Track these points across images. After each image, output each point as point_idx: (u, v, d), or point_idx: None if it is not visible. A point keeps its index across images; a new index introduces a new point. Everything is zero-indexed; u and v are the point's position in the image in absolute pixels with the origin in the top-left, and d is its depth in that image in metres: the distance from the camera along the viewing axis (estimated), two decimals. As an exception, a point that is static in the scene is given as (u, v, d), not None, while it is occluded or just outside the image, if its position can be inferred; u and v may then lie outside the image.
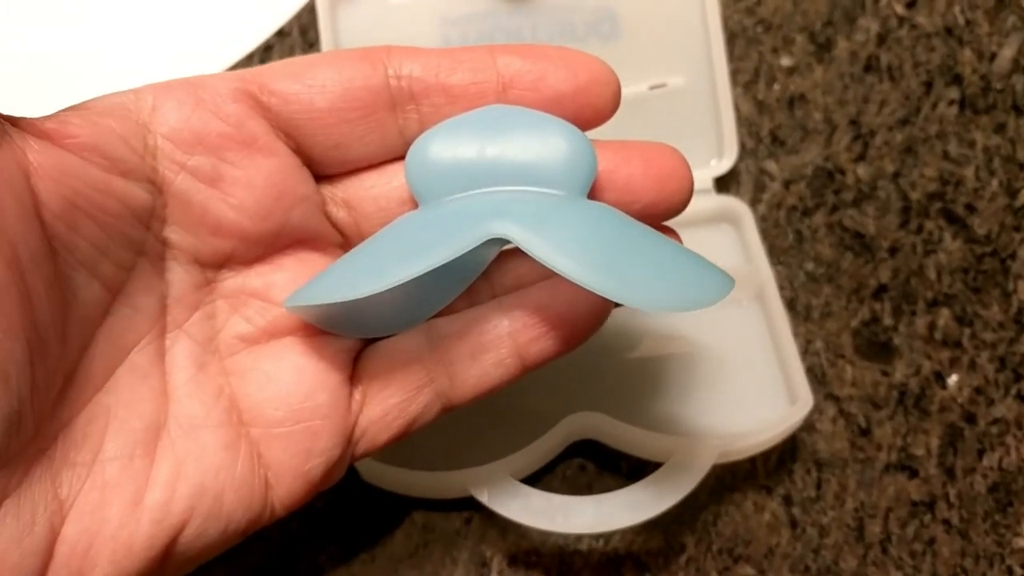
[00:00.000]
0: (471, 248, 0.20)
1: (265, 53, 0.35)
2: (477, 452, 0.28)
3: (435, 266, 0.19)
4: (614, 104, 0.22)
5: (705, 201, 0.32)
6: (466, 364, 0.22)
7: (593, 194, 0.21)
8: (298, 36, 0.36)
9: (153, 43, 0.36)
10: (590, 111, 0.21)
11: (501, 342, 0.22)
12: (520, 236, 0.20)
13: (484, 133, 0.21)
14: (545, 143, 0.21)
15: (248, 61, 0.35)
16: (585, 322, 0.22)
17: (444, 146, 0.21)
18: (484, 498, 0.27)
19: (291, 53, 0.35)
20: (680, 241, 0.23)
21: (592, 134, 0.22)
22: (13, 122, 0.18)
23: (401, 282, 0.19)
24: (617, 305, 0.22)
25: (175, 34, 0.36)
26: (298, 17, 0.36)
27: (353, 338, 0.22)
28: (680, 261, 0.21)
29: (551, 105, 0.21)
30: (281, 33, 0.36)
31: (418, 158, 0.22)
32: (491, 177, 0.21)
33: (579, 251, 0.19)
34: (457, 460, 0.28)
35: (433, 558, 0.29)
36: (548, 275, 0.22)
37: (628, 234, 0.21)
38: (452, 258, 0.19)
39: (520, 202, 0.21)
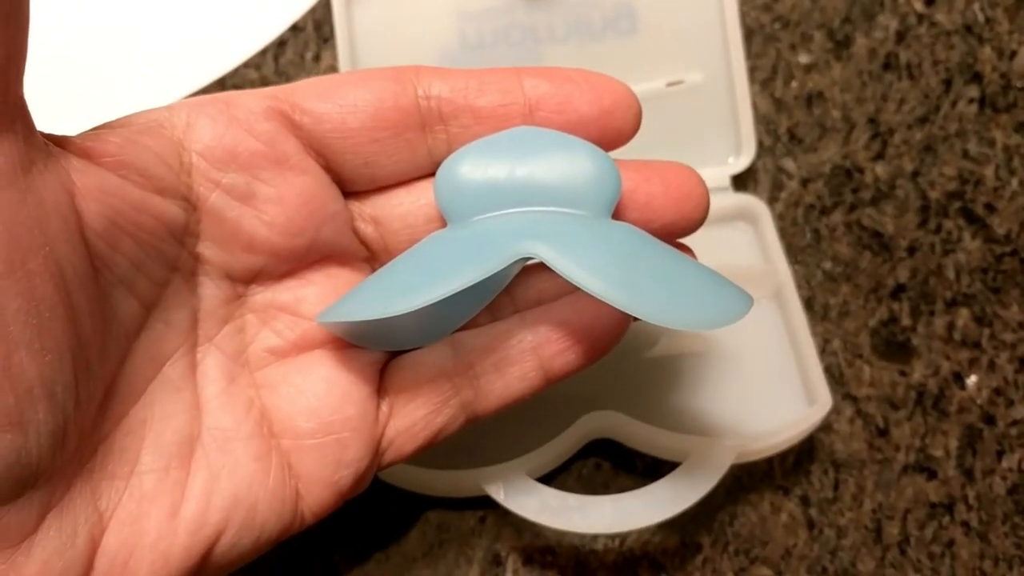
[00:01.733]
0: (501, 268, 0.20)
1: (279, 48, 0.35)
2: (493, 451, 0.28)
3: (467, 286, 0.19)
4: (635, 126, 0.22)
5: (722, 199, 0.32)
6: (491, 377, 0.22)
7: (615, 213, 0.22)
8: (312, 31, 0.35)
9: (168, 38, 0.36)
10: (613, 133, 0.22)
11: (525, 356, 0.22)
12: (549, 256, 0.20)
13: (512, 154, 0.22)
14: (572, 164, 0.21)
15: (262, 56, 0.35)
16: (606, 336, 0.22)
17: (473, 166, 0.22)
18: (500, 497, 0.27)
19: (305, 48, 0.35)
20: (695, 257, 0.23)
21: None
22: (56, 142, 0.18)
23: (433, 301, 0.19)
24: (636, 319, 0.23)
25: (189, 29, 0.36)
26: (312, 12, 0.36)
27: (380, 351, 0.23)
28: (702, 280, 0.21)
29: (576, 127, 0.22)
30: (295, 28, 0.35)
31: (447, 178, 0.22)
32: (519, 197, 0.22)
33: (606, 270, 0.20)
34: (473, 459, 0.28)
35: (448, 557, 0.29)
36: (569, 290, 0.22)
37: (652, 254, 0.21)
38: (483, 278, 0.20)
39: (548, 222, 0.21)
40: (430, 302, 0.19)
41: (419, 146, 0.22)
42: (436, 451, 0.28)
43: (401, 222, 0.23)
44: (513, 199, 0.22)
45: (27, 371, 0.17)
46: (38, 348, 0.17)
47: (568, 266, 0.20)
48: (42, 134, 0.18)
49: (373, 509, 0.29)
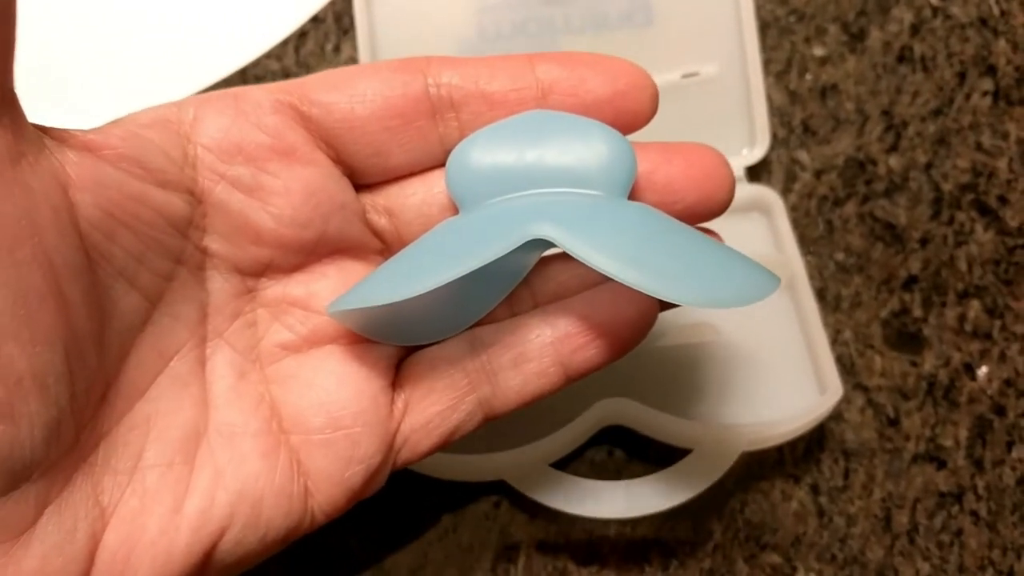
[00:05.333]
0: (511, 250, 0.20)
1: (300, 39, 0.36)
2: (507, 437, 0.28)
3: (475, 268, 0.19)
4: (652, 108, 0.22)
5: (736, 190, 0.32)
6: (508, 373, 0.22)
7: (634, 195, 0.22)
8: (332, 23, 0.36)
9: (189, 29, 0.36)
10: (628, 115, 0.22)
11: (544, 351, 0.22)
12: (558, 236, 0.20)
13: (524, 137, 0.21)
14: (584, 145, 0.21)
15: (283, 48, 0.36)
16: (628, 331, 0.22)
17: (484, 151, 0.21)
18: (515, 482, 0.27)
19: (325, 40, 0.36)
20: (722, 242, 0.23)
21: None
22: (50, 134, 0.18)
23: (441, 284, 0.19)
24: (666, 306, 0.22)
25: (211, 20, 0.36)
26: (332, 4, 0.36)
27: (395, 345, 0.22)
28: (721, 258, 0.21)
29: (590, 109, 0.21)
30: (316, 20, 0.36)
31: (458, 164, 0.22)
32: (531, 180, 0.21)
33: (617, 248, 0.20)
34: (488, 444, 0.28)
35: (462, 541, 0.29)
36: (591, 283, 0.22)
37: (667, 232, 0.21)
38: (491, 260, 0.19)
39: (559, 204, 0.21)
40: (437, 285, 0.19)
41: (431, 134, 0.22)
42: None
43: (415, 212, 0.23)
44: (525, 183, 0.21)
45: (16, 362, 0.17)
46: (27, 339, 0.17)
47: (576, 245, 0.20)
48: (42, 128, 0.18)
49: (389, 493, 0.29)
